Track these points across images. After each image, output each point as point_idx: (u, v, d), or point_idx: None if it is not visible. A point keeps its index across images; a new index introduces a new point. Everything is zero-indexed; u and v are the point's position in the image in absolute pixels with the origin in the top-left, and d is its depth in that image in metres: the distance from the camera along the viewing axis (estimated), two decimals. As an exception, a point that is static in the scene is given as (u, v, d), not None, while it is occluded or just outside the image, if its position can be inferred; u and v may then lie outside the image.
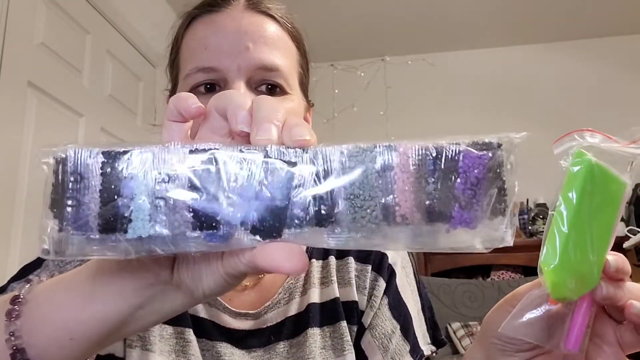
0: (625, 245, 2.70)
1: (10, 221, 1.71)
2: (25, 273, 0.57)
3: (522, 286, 0.40)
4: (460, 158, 0.28)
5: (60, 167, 0.28)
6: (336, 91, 3.54)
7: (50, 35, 1.95)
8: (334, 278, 0.64)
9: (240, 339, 0.60)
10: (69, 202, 0.27)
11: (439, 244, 0.28)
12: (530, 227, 3.06)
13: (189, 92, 0.57)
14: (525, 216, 3.11)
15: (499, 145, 0.28)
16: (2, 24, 1.71)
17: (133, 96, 2.59)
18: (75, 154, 0.27)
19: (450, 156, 0.28)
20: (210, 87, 0.57)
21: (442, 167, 0.28)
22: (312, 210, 0.28)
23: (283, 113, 0.31)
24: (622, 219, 2.81)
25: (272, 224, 0.28)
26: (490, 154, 0.28)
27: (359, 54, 3.56)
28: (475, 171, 0.28)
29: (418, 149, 0.28)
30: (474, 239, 0.28)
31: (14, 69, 1.74)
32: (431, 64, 3.54)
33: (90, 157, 0.27)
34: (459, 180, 0.28)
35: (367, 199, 0.28)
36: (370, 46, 3.49)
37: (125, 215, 0.27)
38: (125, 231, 0.27)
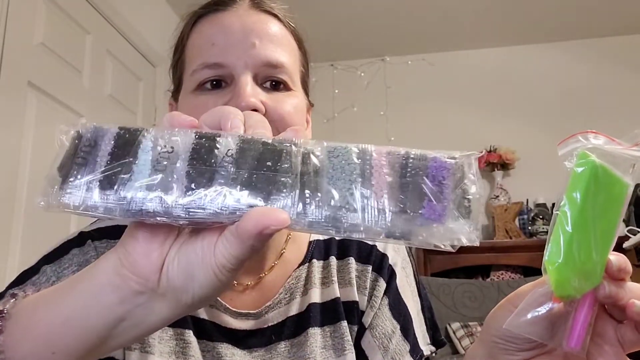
0: (625, 245, 2.70)
1: (10, 221, 1.71)
2: (23, 279, 0.57)
3: (524, 285, 0.40)
4: (429, 160, 0.32)
5: (78, 138, 0.32)
6: (336, 91, 3.54)
7: (50, 35, 1.95)
8: (335, 278, 0.64)
9: (241, 339, 0.60)
10: (78, 160, 0.31)
11: (412, 238, 0.31)
12: (530, 228, 3.05)
13: (196, 89, 0.58)
14: (525, 216, 3.11)
15: (462, 158, 0.33)
16: (2, 24, 1.71)
17: (133, 96, 2.59)
18: (94, 126, 0.32)
19: (420, 160, 0.32)
20: (217, 84, 0.58)
21: (414, 165, 0.32)
22: (299, 194, 0.32)
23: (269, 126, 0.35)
24: (622, 219, 2.81)
25: (260, 186, 0.31)
26: (454, 162, 0.32)
27: (359, 54, 3.56)
28: (443, 172, 0.32)
29: (392, 152, 0.33)
30: (444, 236, 0.31)
31: (14, 69, 1.75)
32: (431, 64, 3.54)
33: (107, 130, 0.31)
34: (427, 177, 0.32)
35: (347, 182, 0.32)
36: (370, 46, 3.49)
37: (125, 177, 0.30)
38: (122, 190, 0.30)
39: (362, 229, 0.31)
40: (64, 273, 0.56)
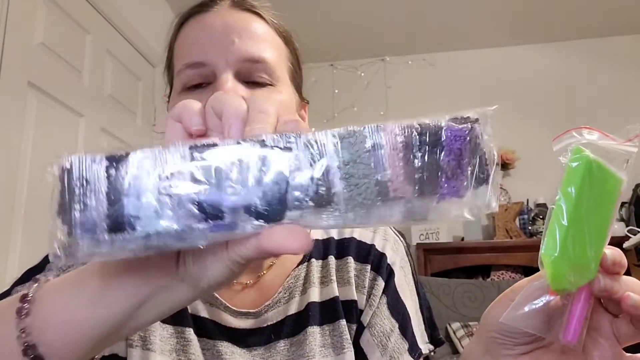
0: (625, 245, 2.70)
1: (10, 221, 1.71)
2: (29, 276, 0.58)
3: (520, 280, 0.40)
4: (443, 132, 0.30)
5: (66, 174, 0.29)
6: (336, 91, 3.54)
7: (50, 35, 1.95)
8: (334, 277, 0.65)
9: (240, 337, 0.61)
10: (76, 207, 0.28)
11: (430, 215, 0.31)
12: (530, 227, 3.05)
13: (182, 90, 0.58)
14: (525, 216, 3.11)
15: (476, 119, 0.31)
16: (2, 24, 1.71)
17: (133, 96, 2.59)
18: (79, 161, 0.28)
19: (433, 131, 0.30)
20: (200, 85, 0.58)
21: (427, 141, 0.30)
22: (310, 191, 0.29)
23: (276, 106, 0.33)
24: (622, 219, 2.80)
25: (274, 208, 0.29)
26: (469, 127, 0.31)
27: (359, 54, 3.56)
28: (457, 143, 0.30)
29: (404, 127, 0.30)
30: (462, 208, 0.30)
31: (14, 69, 1.75)
32: (431, 64, 3.54)
33: (94, 162, 0.28)
34: (443, 152, 0.30)
35: (362, 177, 0.30)
36: (370, 46, 3.49)
37: (132, 213, 0.28)
38: (134, 229, 0.28)
39: (377, 219, 0.30)
40: (68, 271, 0.57)
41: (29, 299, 0.36)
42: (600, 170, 0.35)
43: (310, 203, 0.29)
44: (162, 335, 0.58)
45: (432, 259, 2.97)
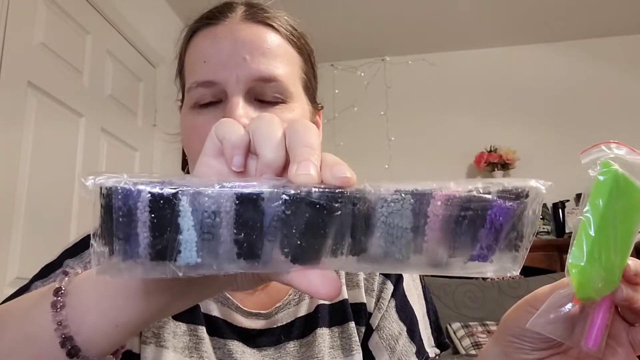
0: (626, 245, 2.70)
1: (10, 221, 1.71)
2: (46, 272, 0.58)
3: (542, 287, 0.41)
4: (489, 207, 0.31)
5: (107, 199, 0.30)
6: (336, 91, 3.54)
7: (50, 35, 1.95)
8: (343, 281, 0.66)
9: (251, 337, 0.62)
10: (120, 235, 0.29)
11: (454, 272, 0.32)
12: (530, 227, 3.05)
13: (193, 106, 0.57)
14: (526, 216, 3.10)
15: (526, 195, 0.31)
16: (2, 24, 1.72)
17: (133, 96, 2.59)
18: (123, 190, 0.29)
19: (480, 205, 0.31)
20: (211, 103, 0.58)
21: (471, 213, 0.31)
22: (348, 242, 0.31)
23: (319, 148, 0.33)
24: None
25: (311, 255, 0.31)
26: (516, 204, 0.31)
27: (359, 54, 3.56)
28: (501, 219, 0.31)
29: (452, 197, 0.31)
30: (487, 267, 0.32)
31: (14, 69, 1.75)
32: (431, 64, 3.54)
33: (138, 195, 0.29)
34: (485, 226, 0.31)
35: (399, 238, 0.31)
36: (370, 46, 3.49)
37: (175, 247, 0.29)
38: (175, 260, 0.30)
39: (405, 269, 0.32)
40: (86, 267, 0.58)
41: (62, 292, 0.37)
42: (627, 184, 0.36)
43: (346, 253, 0.31)
44: (175, 332, 0.59)
45: (432, 259, 2.96)
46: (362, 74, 3.62)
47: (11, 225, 1.71)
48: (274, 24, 0.60)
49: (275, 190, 0.30)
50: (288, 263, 0.31)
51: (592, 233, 0.35)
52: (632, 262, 0.37)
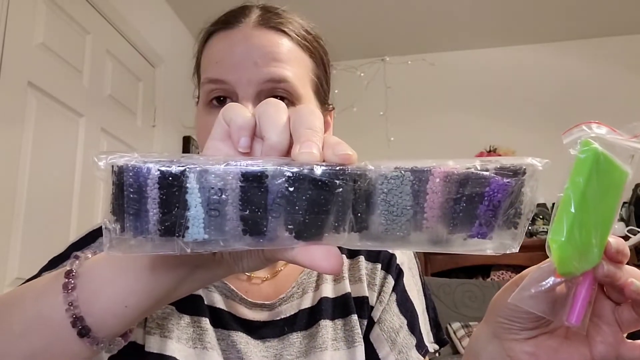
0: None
1: (10, 221, 1.71)
2: (54, 265, 0.60)
3: (529, 268, 0.42)
4: (487, 184, 0.31)
5: (119, 177, 0.31)
6: (336, 91, 3.51)
7: (50, 35, 1.95)
8: (346, 275, 0.68)
9: (255, 329, 0.63)
10: (130, 211, 0.31)
11: (454, 248, 0.33)
12: (530, 227, 3.05)
13: (207, 103, 0.61)
14: (525, 216, 3.11)
15: (524, 173, 0.32)
16: (2, 24, 1.72)
17: (133, 96, 2.59)
18: (133, 168, 0.30)
19: (478, 182, 0.31)
20: (223, 100, 0.61)
21: (470, 190, 0.31)
22: (350, 219, 0.32)
23: (321, 131, 0.34)
24: (622, 219, 2.79)
25: (314, 231, 0.31)
26: (514, 181, 0.32)
27: (359, 54, 3.56)
28: (499, 195, 0.31)
29: (450, 174, 0.32)
30: (486, 244, 0.33)
31: (14, 69, 1.75)
32: (431, 64, 3.54)
33: (148, 173, 0.30)
34: (483, 203, 0.32)
35: (399, 215, 0.32)
36: (370, 46, 3.49)
37: (182, 223, 0.31)
38: (183, 236, 0.31)
39: (406, 246, 0.33)
40: (95, 252, 0.60)
41: (74, 274, 0.39)
42: (608, 162, 0.37)
43: (348, 229, 0.32)
44: (179, 323, 0.60)
45: (433, 259, 2.97)
46: (362, 74, 3.62)
47: (11, 225, 1.71)
48: (286, 29, 0.63)
49: (279, 167, 0.31)
50: (292, 239, 0.31)
51: (572, 210, 0.35)
52: (613, 239, 0.38)
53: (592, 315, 0.39)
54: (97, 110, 2.24)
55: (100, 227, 0.62)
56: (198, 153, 0.65)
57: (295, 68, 0.61)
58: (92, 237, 0.62)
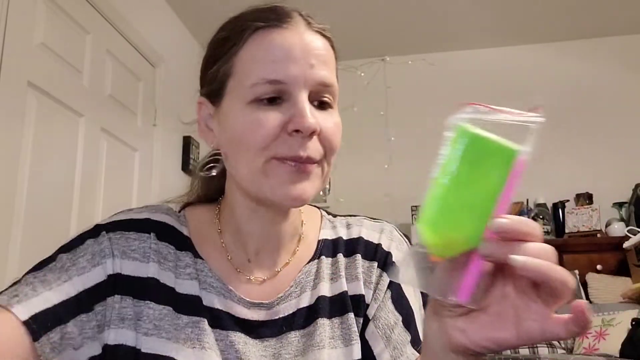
0: (625, 245, 2.70)
1: (10, 221, 1.71)
2: (41, 266, 0.59)
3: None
4: None
5: None
6: (336, 91, 3.53)
7: (50, 35, 1.95)
8: (343, 274, 0.68)
9: (253, 328, 0.63)
10: None
11: None
12: (530, 227, 3.05)
13: (252, 101, 0.59)
14: (525, 216, 3.10)
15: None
16: (2, 24, 1.72)
17: (133, 96, 2.59)
18: None
19: None
20: (273, 99, 0.59)
21: None
22: None
23: None
24: (622, 219, 2.77)
25: None
26: None
27: (359, 54, 3.56)
28: None
29: None
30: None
31: (14, 69, 1.75)
32: (431, 64, 3.54)
33: None
34: None
35: None
36: (370, 46, 3.49)
37: None
38: None
39: None
40: (78, 260, 0.59)
41: None
42: (485, 145, 0.37)
43: None
44: (177, 324, 0.60)
45: (432, 259, 2.97)
46: (362, 74, 3.62)
47: (11, 225, 1.71)
48: (329, 35, 0.65)
49: None
50: None
51: (442, 194, 0.36)
52: (500, 219, 0.38)
53: (517, 292, 0.40)
54: (97, 110, 2.24)
55: (90, 229, 0.62)
56: (198, 154, 0.64)
57: (334, 73, 0.64)
58: (80, 240, 0.61)
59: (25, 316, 0.51)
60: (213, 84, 0.64)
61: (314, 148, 0.58)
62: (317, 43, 0.62)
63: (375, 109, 3.55)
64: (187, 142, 3.04)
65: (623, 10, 3.09)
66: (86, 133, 2.15)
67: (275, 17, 0.62)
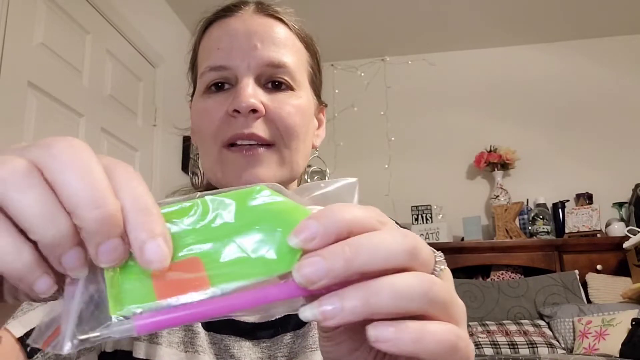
0: (625, 245, 2.70)
1: (10, 221, 1.71)
2: None
3: None
4: None
5: None
6: (336, 91, 3.54)
7: (50, 35, 1.95)
8: None
9: (248, 331, 0.63)
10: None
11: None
12: (530, 227, 3.05)
13: (204, 91, 0.60)
14: (525, 216, 3.11)
15: None
16: (2, 24, 1.72)
17: (133, 96, 2.59)
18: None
19: None
20: (221, 86, 0.60)
21: None
22: None
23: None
24: (622, 219, 2.78)
25: None
26: None
27: (359, 54, 3.56)
28: None
29: None
30: None
31: (14, 69, 1.75)
32: (431, 64, 3.54)
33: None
34: None
35: None
36: (370, 46, 3.49)
37: None
38: None
39: None
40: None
41: None
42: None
43: None
44: (169, 327, 0.59)
45: (432, 259, 2.96)
46: (362, 74, 3.63)
47: (11, 225, 1.71)
48: (284, 18, 0.64)
49: None
50: None
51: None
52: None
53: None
54: (97, 110, 2.24)
55: None
56: (197, 155, 0.65)
57: (293, 54, 0.62)
58: None
59: (20, 332, 0.50)
60: (192, 85, 0.67)
61: (260, 128, 0.57)
62: (266, 25, 0.62)
63: (375, 109, 3.55)
64: (188, 142, 3.04)
65: (623, 10, 3.09)
66: (86, 133, 2.15)
67: (223, 9, 0.64)
